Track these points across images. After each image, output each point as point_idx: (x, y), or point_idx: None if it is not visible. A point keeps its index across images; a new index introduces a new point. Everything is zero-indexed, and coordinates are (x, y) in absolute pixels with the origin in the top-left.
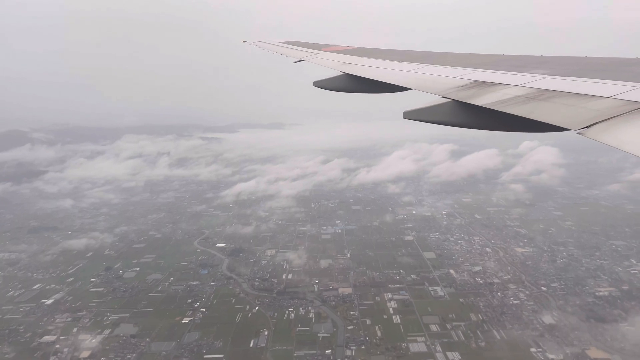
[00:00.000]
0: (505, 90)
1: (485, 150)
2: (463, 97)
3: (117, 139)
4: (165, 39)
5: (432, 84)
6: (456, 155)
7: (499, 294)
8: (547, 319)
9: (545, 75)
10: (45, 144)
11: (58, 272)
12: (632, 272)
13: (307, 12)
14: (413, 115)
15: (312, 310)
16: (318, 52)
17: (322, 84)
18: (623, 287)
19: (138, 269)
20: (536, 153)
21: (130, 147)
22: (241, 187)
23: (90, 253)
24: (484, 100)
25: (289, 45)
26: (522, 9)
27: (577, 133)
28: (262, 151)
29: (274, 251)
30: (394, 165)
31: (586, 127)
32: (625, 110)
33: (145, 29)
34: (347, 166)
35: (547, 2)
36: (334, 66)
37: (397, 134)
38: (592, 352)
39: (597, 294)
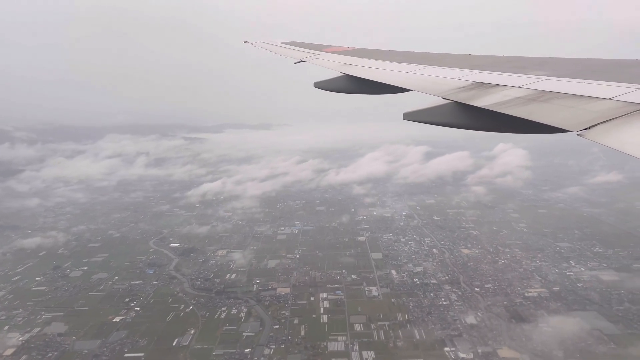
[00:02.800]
0: (506, 92)
1: (456, 152)
2: (463, 98)
3: (100, 139)
4: (163, 39)
5: (432, 85)
6: (430, 157)
7: (431, 294)
8: (470, 319)
9: (545, 77)
10: (26, 143)
11: (6, 270)
12: (568, 273)
13: (307, 12)
14: (413, 116)
15: (244, 310)
16: (318, 53)
17: (322, 85)
18: (554, 288)
19: (86, 268)
20: (506, 155)
21: (111, 147)
22: (207, 187)
23: (44, 252)
24: (484, 101)
25: (290, 46)
26: (522, 8)
27: (577, 135)
28: (241, 152)
29: (224, 251)
30: (366, 167)
31: (586, 128)
32: (625, 112)
33: (143, 28)
34: (320, 167)
35: (546, 1)
36: (334, 67)
37: (383, 135)
38: (504, 352)
39: (526, 294)
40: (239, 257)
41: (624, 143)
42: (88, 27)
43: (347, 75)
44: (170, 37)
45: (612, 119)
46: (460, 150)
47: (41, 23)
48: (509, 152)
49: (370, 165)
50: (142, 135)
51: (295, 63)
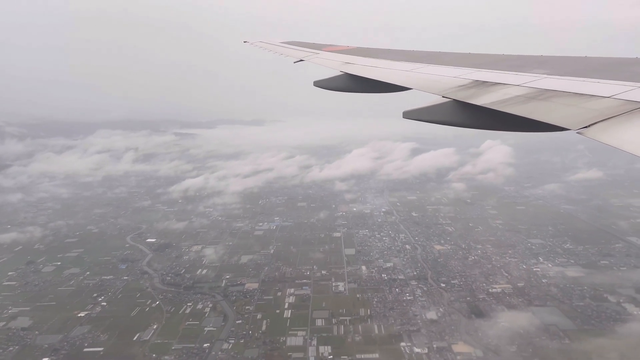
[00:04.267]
0: (505, 90)
1: (442, 149)
2: (463, 97)
3: (91, 134)
4: (162, 38)
5: (432, 84)
6: (416, 153)
7: (397, 290)
8: (431, 314)
9: (545, 75)
10: (16, 138)
11: None
12: (535, 269)
13: (306, 11)
14: (413, 115)
15: (210, 305)
16: (318, 52)
17: (322, 84)
18: (519, 284)
19: (59, 263)
20: (491, 152)
21: (101, 142)
22: (189, 183)
23: (19, 247)
24: (484, 100)
25: (289, 45)
26: (521, 8)
27: (577, 133)
28: (231, 147)
29: (200, 247)
30: (351, 163)
31: (586, 126)
32: (625, 110)
33: (141, 27)
34: (307, 163)
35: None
36: (334, 66)
37: (376, 132)
38: (459, 347)
39: (490, 290)
40: (212, 252)
41: (624, 141)
42: (85, 27)
43: (347, 74)
44: (169, 35)
45: (612, 117)
46: (449, 147)
47: (38, 22)
48: (495, 149)
49: (355, 161)
50: (133, 131)
51: (295, 62)
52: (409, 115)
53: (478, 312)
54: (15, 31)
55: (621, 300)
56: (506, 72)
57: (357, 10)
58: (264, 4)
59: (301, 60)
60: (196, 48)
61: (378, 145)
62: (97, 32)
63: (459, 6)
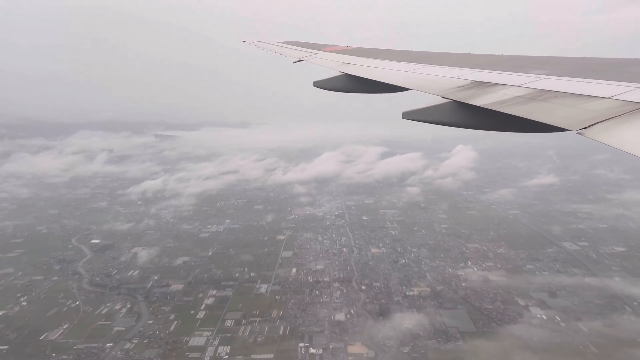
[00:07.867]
0: (505, 91)
1: (408, 153)
2: (462, 97)
3: (71, 135)
4: (158, 41)
5: (431, 84)
6: (385, 157)
7: (317, 292)
8: (340, 316)
9: (544, 76)
10: None
11: None
12: (459, 273)
13: (306, 11)
14: (412, 115)
15: (128, 305)
16: (318, 52)
17: (321, 84)
18: (438, 287)
19: None
20: (459, 157)
21: (79, 143)
22: (147, 185)
23: None
24: (483, 100)
25: (289, 46)
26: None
27: (577, 133)
28: (205, 150)
29: (141, 248)
30: (317, 167)
31: (585, 127)
32: (624, 111)
33: (136, 29)
34: (274, 166)
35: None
36: (333, 66)
37: (354, 134)
38: (354, 348)
39: (407, 293)
40: (150, 254)
41: (624, 142)
42: (77, 27)
43: (346, 74)
44: (165, 38)
45: (611, 117)
46: (417, 152)
47: (30, 22)
48: (463, 155)
49: (322, 164)
50: (114, 132)
51: (294, 62)
52: (408, 115)
53: (386, 314)
54: (6, 30)
55: (529, 304)
56: (506, 72)
57: (356, 9)
58: (264, 4)
59: (300, 60)
60: (193, 50)
61: (349, 149)
62: (92, 29)
63: (459, 5)
